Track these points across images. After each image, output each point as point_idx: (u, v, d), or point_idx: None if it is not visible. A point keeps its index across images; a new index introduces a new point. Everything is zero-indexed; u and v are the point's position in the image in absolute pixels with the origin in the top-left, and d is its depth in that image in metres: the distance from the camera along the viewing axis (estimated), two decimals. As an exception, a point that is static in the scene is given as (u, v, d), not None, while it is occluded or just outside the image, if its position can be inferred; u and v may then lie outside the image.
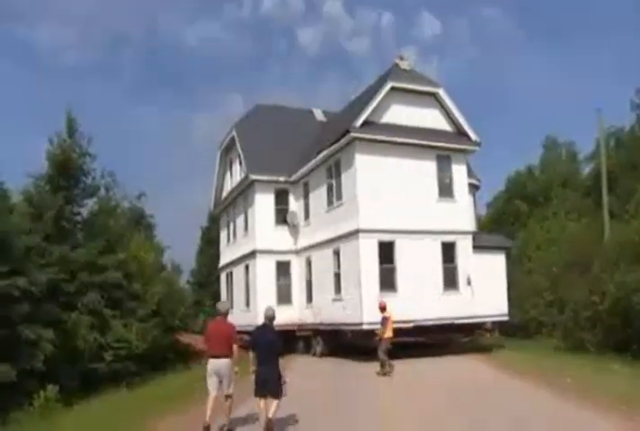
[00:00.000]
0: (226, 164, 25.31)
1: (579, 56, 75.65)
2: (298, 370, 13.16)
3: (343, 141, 16.14)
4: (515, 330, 20.05)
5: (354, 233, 15.54)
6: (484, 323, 17.49)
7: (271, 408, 7.01)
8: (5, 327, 11.80)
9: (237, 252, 21.83)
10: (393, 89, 16.50)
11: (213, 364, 7.27)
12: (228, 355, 7.25)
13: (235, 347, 7.34)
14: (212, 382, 7.30)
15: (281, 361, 7.22)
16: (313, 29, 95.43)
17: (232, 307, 22.75)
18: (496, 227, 26.49)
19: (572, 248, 17.87)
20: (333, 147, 16.81)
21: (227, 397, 7.33)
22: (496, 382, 11.13)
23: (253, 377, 7.14)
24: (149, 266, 14.96)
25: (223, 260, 24.89)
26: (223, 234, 25.67)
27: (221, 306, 7.79)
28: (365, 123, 15.87)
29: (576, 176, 28.98)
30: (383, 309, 12.48)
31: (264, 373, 7.06)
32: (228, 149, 24.44)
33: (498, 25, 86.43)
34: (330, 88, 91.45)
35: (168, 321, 14.83)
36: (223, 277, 25.16)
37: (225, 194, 25.02)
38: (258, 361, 7.14)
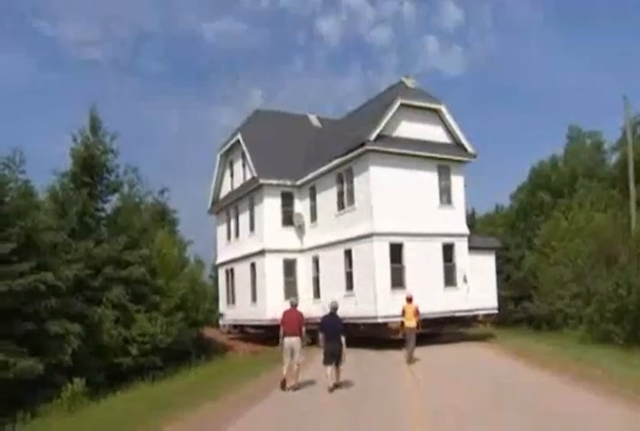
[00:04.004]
0: (225, 165, 24.58)
1: (603, 42, 71.63)
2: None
3: (357, 152, 16.50)
4: (539, 322, 19.68)
5: (369, 236, 15.96)
6: (477, 316, 17.76)
7: (337, 372, 9.12)
8: (34, 321, 10.77)
9: (241, 250, 21.11)
10: (401, 105, 16.97)
11: (287, 341, 9.22)
12: (298, 334, 9.22)
13: (303, 328, 9.34)
14: (286, 354, 9.22)
15: (343, 339, 9.06)
16: (333, 19, 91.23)
17: (234, 303, 22.03)
18: (520, 219, 24.96)
19: (597, 239, 16.95)
20: (345, 157, 17.04)
21: (297, 365, 9.27)
22: (511, 369, 10.90)
23: (323, 351, 9.16)
24: (173, 261, 14.07)
25: (222, 257, 24.03)
26: (221, 232, 24.80)
27: (293, 300, 9.96)
28: (378, 136, 16.26)
29: (601, 166, 26.41)
30: (409, 300, 12.56)
31: (331, 348, 9.02)
32: (229, 151, 23.66)
33: (520, 12, 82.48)
34: (351, 78, 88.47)
35: (192, 316, 13.94)
36: (222, 273, 24.26)
37: (223, 193, 24.23)
38: (326, 339, 9.11)
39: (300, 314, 9.45)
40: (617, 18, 69.79)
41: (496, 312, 18.29)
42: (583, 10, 74.36)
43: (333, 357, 8.95)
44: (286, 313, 9.49)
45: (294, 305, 9.61)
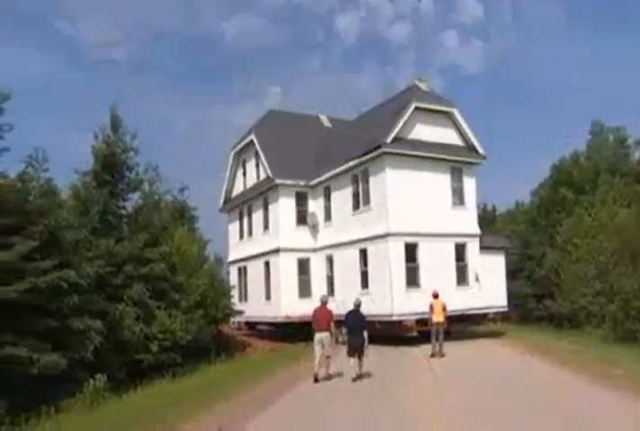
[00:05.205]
0: (238, 164, 24.24)
1: (624, 36, 69.09)
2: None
3: (374, 154, 16.48)
4: (561, 320, 19.29)
5: (384, 236, 15.95)
6: (488, 313, 17.50)
7: (359, 364, 9.60)
8: (57, 318, 10.45)
9: (255, 249, 20.82)
10: (416, 108, 16.96)
11: (318, 336, 9.72)
12: (328, 329, 9.74)
13: (332, 324, 9.85)
14: (318, 348, 9.69)
15: (366, 334, 9.52)
16: (351, 15, 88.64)
17: (247, 300, 21.67)
18: (541, 215, 24.16)
19: (621, 236, 16.23)
20: (361, 158, 16.99)
21: (327, 357, 9.78)
22: (529, 366, 10.59)
23: (346, 345, 9.85)
24: (192, 258, 13.73)
25: (234, 255, 23.67)
26: (233, 230, 24.46)
27: (323, 298, 10.49)
28: (393, 139, 16.24)
29: (625, 161, 25.17)
30: (435, 296, 12.75)
31: (354, 342, 9.54)
32: (242, 150, 23.31)
33: (540, 6, 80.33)
34: (369, 75, 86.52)
35: (211, 313, 13.59)
36: (234, 270, 23.85)
37: (235, 192, 23.92)
38: (349, 334, 9.72)
39: (330, 311, 9.98)
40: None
41: (506, 309, 18.41)
42: (603, 8, 71.98)
43: (356, 350, 9.49)
44: (316, 310, 10.01)
45: (324, 303, 10.14)
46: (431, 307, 12.53)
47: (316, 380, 9.49)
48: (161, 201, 14.75)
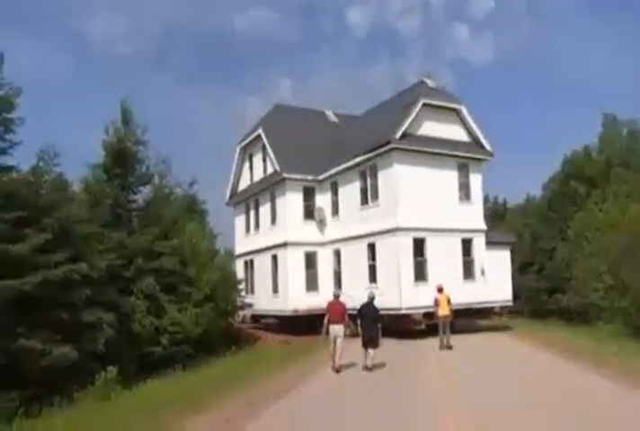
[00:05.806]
0: (244, 158, 23.90)
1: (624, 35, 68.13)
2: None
3: (382, 150, 16.35)
4: (571, 315, 18.91)
5: (393, 231, 15.81)
6: (493, 308, 17.40)
7: (372, 355, 9.71)
8: (69, 311, 10.33)
9: (262, 242, 20.63)
10: (424, 105, 16.79)
11: (332, 328, 9.80)
12: (341, 322, 9.84)
13: (346, 317, 9.96)
14: (332, 340, 9.81)
15: (379, 326, 9.81)
16: (361, 8, 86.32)
17: (253, 293, 21.53)
18: (553, 209, 23.40)
19: (633, 230, 15.58)
20: (370, 154, 16.82)
21: (339, 349, 9.81)
22: (538, 361, 10.41)
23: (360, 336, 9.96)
24: (203, 251, 13.57)
25: (241, 249, 23.48)
26: (240, 224, 24.10)
27: (335, 292, 11.06)
28: (402, 135, 16.07)
29: (638, 155, 23.64)
30: (440, 290, 12.80)
31: (368, 334, 9.72)
32: (249, 144, 23.05)
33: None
34: (379, 68, 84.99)
35: (221, 306, 13.47)
36: (240, 264, 23.62)
37: (242, 186, 23.66)
38: (363, 326, 9.86)
39: (343, 304, 10.04)
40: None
41: (511, 304, 18.28)
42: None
43: (370, 342, 9.63)
44: (330, 304, 10.08)
45: (337, 297, 10.24)
46: (437, 301, 12.58)
47: (334, 370, 9.67)
48: (171, 194, 14.56)
